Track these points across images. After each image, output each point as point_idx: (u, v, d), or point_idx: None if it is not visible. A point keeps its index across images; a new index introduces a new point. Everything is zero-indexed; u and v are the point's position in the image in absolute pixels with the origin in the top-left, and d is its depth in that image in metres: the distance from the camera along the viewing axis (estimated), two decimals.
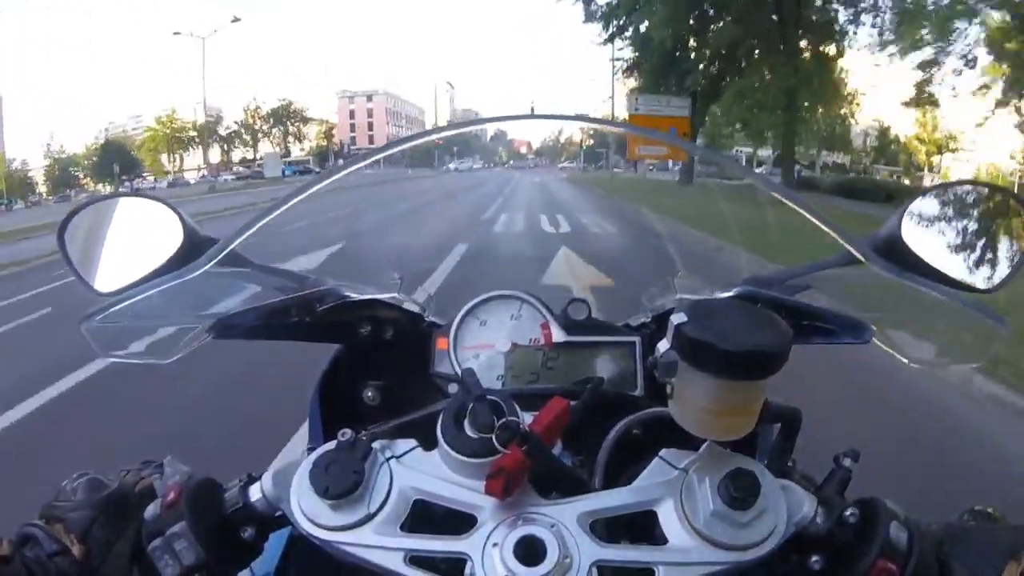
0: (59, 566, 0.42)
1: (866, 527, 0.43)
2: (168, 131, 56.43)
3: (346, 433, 0.45)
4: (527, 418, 0.46)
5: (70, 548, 0.43)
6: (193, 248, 0.60)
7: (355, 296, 0.70)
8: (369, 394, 0.70)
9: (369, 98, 74.91)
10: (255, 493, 0.47)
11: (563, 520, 0.42)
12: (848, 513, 0.44)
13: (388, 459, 0.46)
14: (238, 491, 0.47)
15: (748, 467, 0.43)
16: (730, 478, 0.42)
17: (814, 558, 0.44)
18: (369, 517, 0.43)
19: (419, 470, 0.46)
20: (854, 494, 0.46)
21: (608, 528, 0.45)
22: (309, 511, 0.43)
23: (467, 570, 0.40)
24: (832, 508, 0.44)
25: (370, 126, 73.69)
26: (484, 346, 0.69)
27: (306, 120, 61.88)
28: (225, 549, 0.45)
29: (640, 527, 0.44)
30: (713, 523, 0.42)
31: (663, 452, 0.47)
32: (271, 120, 60.72)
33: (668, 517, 0.43)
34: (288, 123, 60.87)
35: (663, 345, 0.42)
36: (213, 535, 0.44)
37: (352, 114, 72.89)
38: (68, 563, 0.43)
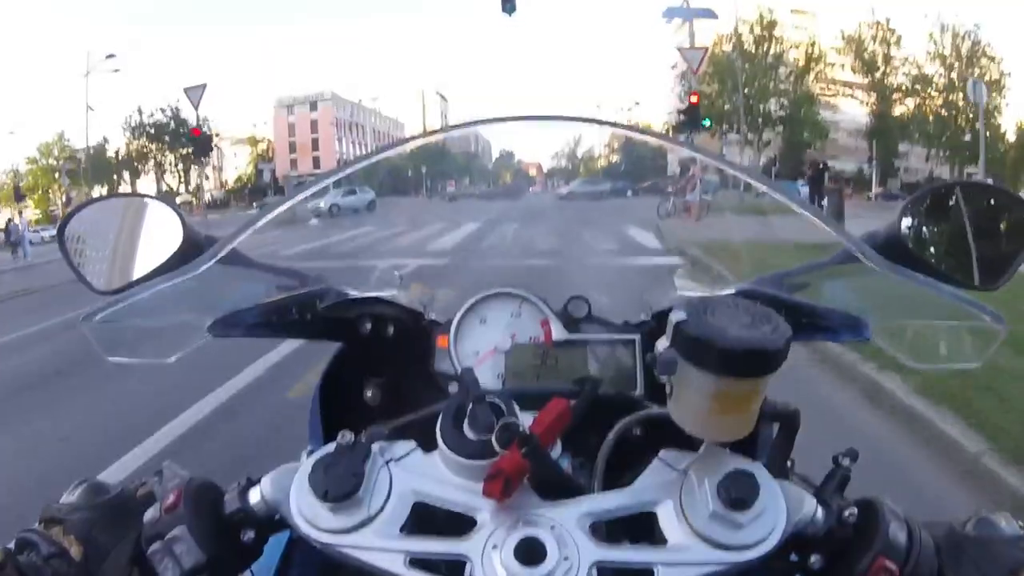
0: (56, 568, 0.42)
1: (866, 527, 0.43)
2: (54, 162, 39.04)
3: (345, 435, 0.45)
4: (527, 418, 0.46)
5: (68, 550, 0.43)
6: (193, 247, 0.60)
7: (356, 294, 0.70)
8: (370, 392, 0.70)
9: (313, 105, 53.76)
10: (254, 496, 0.47)
11: (563, 521, 0.42)
12: (847, 513, 0.44)
13: (387, 461, 0.46)
14: (237, 494, 0.47)
15: (747, 468, 0.43)
16: (729, 479, 0.42)
17: (813, 558, 0.44)
18: (369, 520, 0.43)
19: (418, 472, 0.46)
20: (853, 494, 0.46)
21: (608, 529, 0.45)
22: (308, 514, 0.43)
23: (467, 572, 0.41)
24: (831, 508, 0.44)
25: (315, 144, 52.09)
26: (484, 344, 0.69)
27: (204, 141, 35.61)
28: (225, 552, 0.45)
29: (640, 528, 0.45)
30: (712, 524, 0.42)
31: (662, 453, 0.47)
32: (160, 140, 39.82)
33: (667, 518, 0.43)
34: (186, 146, 37.42)
35: (662, 343, 0.42)
36: (213, 538, 0.44)
37: (292, 129, 50.85)
38: (66, 565, 0.42)
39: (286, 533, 0.49)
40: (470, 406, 0.46)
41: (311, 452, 0.46)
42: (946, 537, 0.43)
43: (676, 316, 0.41)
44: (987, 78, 34.21)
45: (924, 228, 0.59)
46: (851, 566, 0.42)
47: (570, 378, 0.65)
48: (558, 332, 0.68)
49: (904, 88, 37.12)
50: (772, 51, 35.17)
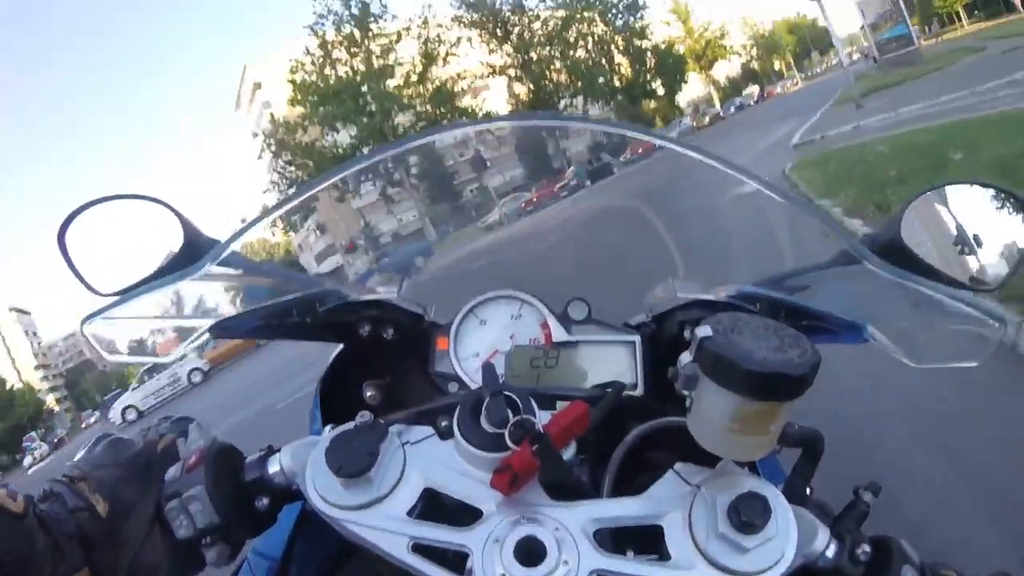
0: (81, 521, 0.43)
1: (878, 567, 0.42)
2: None
3: (365, 415, 0.45)
4: (544, 417, 0.46)
5: (95, 506, 0.44)
6: (194, 249, 0.60)
7: (356, 296, 0.70)
8: (370, 393, 0.70)
9: None
10: (273, 465, 0.48)
11: (567, 524, 0.42)
12: (860, 551, 0.43)
13: (403, 444, 0.46)
14: (257, 461, 0.48)
15: (762, 491, 0.42)
16: (741, 500, 0.41)
17: None
18: (378, 499, 0.43)
19: (432, 458, 0.46)
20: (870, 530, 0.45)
21: (613, 536, 0.44)
22: (322, 487, 0.44)
23: (468, 564, 0.41)
24: (845, 543, 0.43)
25: None
26: (484, 345, 0.69)
27: None
28: (239, 516, 0.46)
29: (645, 538, 0.44)
30: (718, 545, 0.41)
31: (677, 466, 0.46)
32: None
33: (674, 533, 0.43)
34: None
35: (685, 357, 0.42)
36: (229, 501, 0.45)
37: None
38: (91, 519, 0.44)
39: (299, 505, 0.50)
40: (488, 399, 0.45)
41: (334, 427, 0.46)
42: None
43: (702, 331, 0.40)
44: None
45: (923, 229, 0.59)
46: None
47: (570, 379, 0.65)
48: (558, 333, 0.68)
49: (545, 40, 30.63)
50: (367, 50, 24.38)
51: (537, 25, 30.68)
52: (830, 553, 0.43)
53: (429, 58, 25.68)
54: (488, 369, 0.50)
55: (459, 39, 26.50)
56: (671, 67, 35.41)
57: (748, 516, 0.40)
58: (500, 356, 0.68)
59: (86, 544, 0.43)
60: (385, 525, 0.42)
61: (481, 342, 0.69)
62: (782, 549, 0.41)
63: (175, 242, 0.61)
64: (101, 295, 0.61)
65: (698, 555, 0.41)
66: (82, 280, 0.62)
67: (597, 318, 0.69)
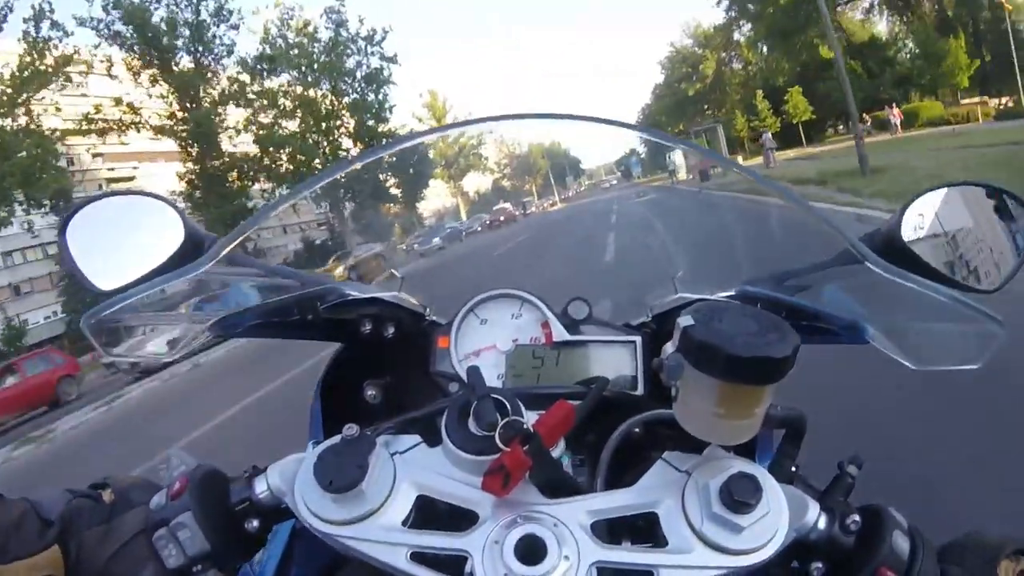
0: (75, 507, 0.45)
1: (869, 535, 0.43)
2: None
3: (352, 428, 0.45)
4: (532, 417, 0.46)
5: (102, 495, 0.47)
6: (194, 246, 0.61)
7: (356, 295, 0.70)
8: (370, 393, 0.70)
9: None
10: (260, 485, 0.47)
11: (565, 520, 0.42)
12: (850, 520, 0.43)
13: (392, 454, 0.46)
14: (244, 483, 0.48)
15: (750, 471, 0.43)
16: (732, 481, 0.42)
17: (815, 564, 0.44)
18: (371, 512, 0.43)
19: (422, 466, 0.46)
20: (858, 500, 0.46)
21: (610, 529, 0.45)
22: (312, 504, 0.43)
23: (467, 567, 0.41)
24: (835, 515, 0.44)
25: None
26: (485, 345, 0.69)
27: None
28: (230, 540, 0.46)
29: (642, 528, 0.45)
30: (713, 526, 0.41)
31: (666, 454, 0.46)
32: None
33: (669, 519, 0.43)
34: None
35: (669, 347, 0.42)
36: (218, 526, 0.45)
37: None
38: (91, 506, 0.46)
39: (290, 523, 0.49)
40: (475, 402, 0.46)
41: (317, 443, 0.46)
42: (950, 548, 0.43)
43: (684, 321, 0.41)
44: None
45: (923, 229, 0.59)
46: (853, 575, 0.42)
47: (571, 379, 0.65)
48: (559, 333, 0.68)
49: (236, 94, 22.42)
50: None
51: (226, 71, 22.49)
52: (821, 525, 0.44)
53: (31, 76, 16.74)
54: (473, 372, 0.50)
55: (77, 50, 17.38)
56: (414, 168, 28.54)
57: (740, 495, 0.41)
58: (492, 354, 0.68)
59: (69, 528, 0.44)
60: (381, 537, 0.42)
61: (482, 341, 0.69)
62: (775, 525, 0.41)
63: (176, 239, 0.61)
64: (102, 292, 0.61)
65: (695, 538, 0.42)
66: (83, 276, 0.62)
67: (598, 318, 0.69)
